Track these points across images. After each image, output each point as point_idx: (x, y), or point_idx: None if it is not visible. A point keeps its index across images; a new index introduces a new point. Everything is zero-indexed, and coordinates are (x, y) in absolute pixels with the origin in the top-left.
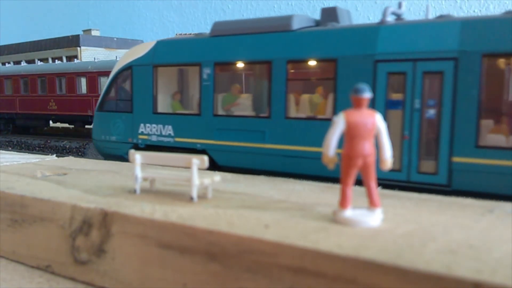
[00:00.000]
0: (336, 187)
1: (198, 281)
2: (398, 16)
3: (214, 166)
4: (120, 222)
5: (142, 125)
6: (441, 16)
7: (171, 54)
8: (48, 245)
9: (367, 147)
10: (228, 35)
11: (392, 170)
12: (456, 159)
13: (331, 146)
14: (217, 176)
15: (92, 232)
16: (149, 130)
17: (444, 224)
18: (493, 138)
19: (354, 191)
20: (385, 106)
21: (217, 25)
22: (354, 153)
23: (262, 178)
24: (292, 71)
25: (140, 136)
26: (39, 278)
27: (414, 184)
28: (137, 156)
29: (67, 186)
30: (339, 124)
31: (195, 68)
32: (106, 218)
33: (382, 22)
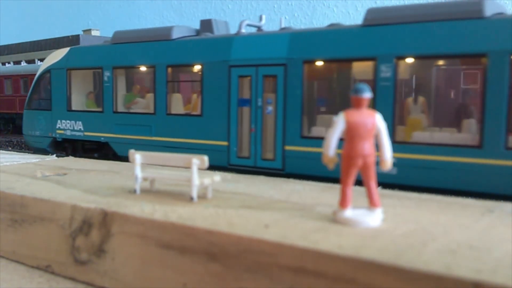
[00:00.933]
0: (336, 187)
1: (198, 281)
2: (259, 28)
3: (115, 156)
4: (120, 222)
5: (59, 121)
6: (283, 28)
7: (81, 59)
8: (48, 245)
9: (367, 147)
10: (123, 42)
11: (242, 157)
12: (287, 147)
13: (331, 146)
14: (217, 176)
15: (92, 232)
16: (65, 126)
17: (444, 224)
18: (315, 129)
19: (354, 191)
20: (237, 104)
21: (116, 34)
22: (354, 153)
23: (262, 178)
24: (171, 74)
25: (58, 131)
26: (39, 278)
27: (259, 169)
28: (137, 156)
29: (67, 186)
30: (339, 124)
31: (99, 71)
32: (106, 218)
33: (237, 33)
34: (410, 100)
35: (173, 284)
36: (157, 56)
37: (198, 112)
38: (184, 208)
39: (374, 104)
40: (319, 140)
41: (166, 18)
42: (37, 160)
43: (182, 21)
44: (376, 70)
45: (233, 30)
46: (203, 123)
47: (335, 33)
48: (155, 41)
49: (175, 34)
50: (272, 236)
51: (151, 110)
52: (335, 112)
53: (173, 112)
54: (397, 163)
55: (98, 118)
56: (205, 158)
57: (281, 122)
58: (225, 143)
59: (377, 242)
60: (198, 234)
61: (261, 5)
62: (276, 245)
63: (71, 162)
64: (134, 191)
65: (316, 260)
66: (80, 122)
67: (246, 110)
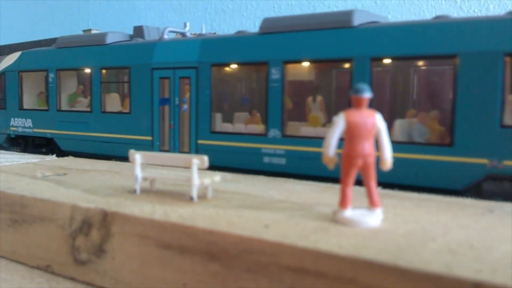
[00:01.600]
0: (336, 187)
1: (198, 281)
2: (183, 34)
3: (59, 150)
4: (120, 222)
5: (12, 119)
6: (200, 34)
7: (30, 62)
8: (48, 245)
9: (367, 147)
10: (66, 47)
11: (164, 150)
12: (199, 141)
13: (331, 146)
14: (217, 176)
15: (92, 232)
16: (17, 123)
17: (444, 224)
18: (222, 126)
19: (354, 191)
20: (159, 103)
21: (60, 39)
22: (354, 153)
23: (262, 178)
24: (105, 76)
25: (11, 128)
26: (39, 278)
27: None
28: (137, 156)
29: (67, 186)
30: (339, 124)
31: (45, 73)
32: (106, 218)
33: (160, 39)
34: (310, 99)
35: (173, 284)
36: (93, 59)
37: (127, 110)
38: (184, 208)
39: (266, 102)
40: (226, 135)
41: (166, 18)
42: (37, 160)
43: (182, 21)
44: (268, 73)
45: (233, 30)
46: (131, 120)
47: (237, 39)
48: (92, 46)
49: (109, 40)
50: (272, 236)
51: (89, 109)
52: (238, 110)
53: (107, 110)
54: (285, 154)
55: (44, 116)
56: (205, 158)
57: (194, 119)
58: (149, 138)
59: (377, 242)
60: (198, 234)
61: (261, 5)
62: (276, 245)
63: (71, 162)
64: (134, 191)
65: (316, 260)
66: (30, 120)
67: (166, 108)
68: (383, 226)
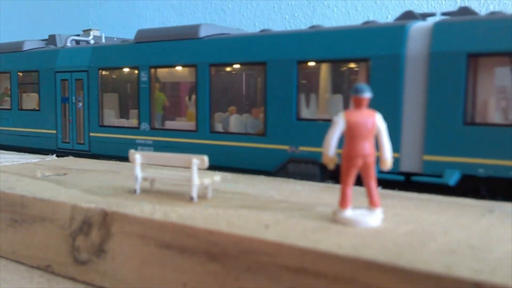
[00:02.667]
0: (336, 187)
1: (198, 281)
2: (87, 42)
3: None
4: (120, 222)
5: None
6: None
7: None
8: (48, 245)
9: (367, 147)
10: None
11: (65, 142)
12: (91, 134)
13: (331, 146)
14: (217, 176)
15: (92, 232)
16: None
17: (444, 224)
18: (107, 120)
19: (354, 191)
20: (61, 101)
21: None
22: (354, 153)
23: (262, 178)
24: (22, 78)
25: None
26: (39, 278)
27: (76, 151)
28: (137, 156)
29: (67, 186)
30: (339, 124)
31: None
32: (106, 218)
33: (63, 46)
34: (186, 98)
35: (173, 284)
36: (12, 64)
37: (38, 107)
38: (184, 208)
39: (137, 100)
40: (110, 128)
41: (166, 18)
42: (37, 160)
43: (183, 21)
44: (138, 75)
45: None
46: (40, 116)
47: (117, 47)
48: (12, 52)
49: (26, 47)
50: (272, 236)
51: (9, 106)
52: (123, 107)
53: (23, 108)
54: (153, 144)
55: None
56: (205, 158)
57: (87, 114)
58: (54, 131)
59: (377, 242)
60: (198, 234)
61: (261, 5)
62: (276, 245)
63: (71, 162)
64: (134, 191)
65: (316, 260)
66: None
67: (66, 105)
68: (383, 226)
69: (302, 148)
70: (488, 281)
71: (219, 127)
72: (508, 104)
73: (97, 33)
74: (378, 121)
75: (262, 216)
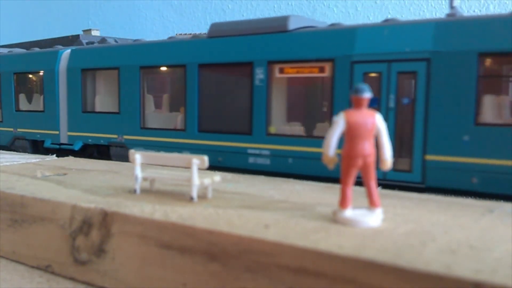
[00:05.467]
0: (336, 187)
1: (198, 281)
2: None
3: None
4: (120, 222)
5: None
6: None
7: None
8: (48, 245)
9: (367, 147)
10: None
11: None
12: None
13: (331, 146)
14: (217, 176)
15: (92, 232)
16: None
17: (444, 224)
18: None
19: (354, 191)
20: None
21: None
22: (354, 153)
23: (262, 178)
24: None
25: None
26: (39, 278)
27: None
28: (137, 156)
29: (67, 186)
30: (339, 124)
31: None
32: (106, 218)
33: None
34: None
35: (173, 284)
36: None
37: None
38: (184, 208)
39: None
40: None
41: (166, 18)
42: (37, 160)
43: (182, 21)
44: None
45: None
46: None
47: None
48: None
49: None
50: (272, 236)
51: None
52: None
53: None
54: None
55: None
56: (205, 158)
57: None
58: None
59: (377, 242)
60: (198, 234)
61: (261, 5)
62: (276, 245)
63: (71, 162)
64: (134, 191)
65: (316, 260)
66: None
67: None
68: (383, 226)
69: (19, 130)
70: (488, 281)
71: None
72: None
73: (97, 33)
74: (378, 121)
75: (262, 216)
